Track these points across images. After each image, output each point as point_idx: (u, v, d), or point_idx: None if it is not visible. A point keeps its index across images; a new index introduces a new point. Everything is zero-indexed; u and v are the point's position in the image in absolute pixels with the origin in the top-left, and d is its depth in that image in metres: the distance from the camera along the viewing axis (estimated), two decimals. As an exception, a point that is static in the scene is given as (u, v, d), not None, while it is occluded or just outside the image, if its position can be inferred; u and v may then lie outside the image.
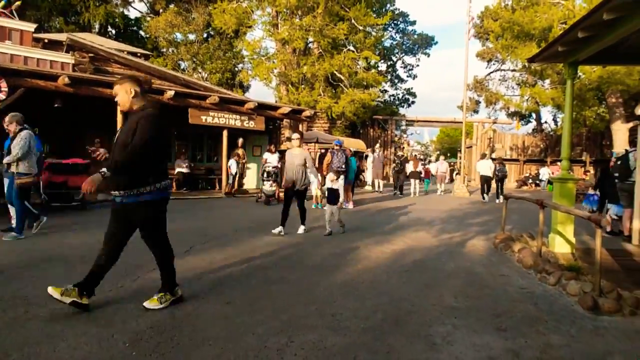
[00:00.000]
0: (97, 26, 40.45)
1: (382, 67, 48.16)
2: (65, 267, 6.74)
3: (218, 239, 9.56)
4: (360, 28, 35.15)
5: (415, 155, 41.49)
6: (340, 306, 5.40)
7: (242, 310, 5.15)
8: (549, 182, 31.33)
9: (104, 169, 4.64)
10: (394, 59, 50.10)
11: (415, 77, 51.58)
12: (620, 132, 25.54)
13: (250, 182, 22.75)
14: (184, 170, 20.51)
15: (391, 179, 30.05)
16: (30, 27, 22.28)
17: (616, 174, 11.13)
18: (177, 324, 4.68)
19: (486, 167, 22.87)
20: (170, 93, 17.71)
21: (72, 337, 4.28)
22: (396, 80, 50.47)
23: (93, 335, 4.33)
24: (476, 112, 48.85)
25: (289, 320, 4.87)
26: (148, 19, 43.26)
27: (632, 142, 11.62)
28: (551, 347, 4.44)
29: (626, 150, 11.69)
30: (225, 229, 10.92)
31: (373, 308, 5.36)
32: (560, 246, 8.70)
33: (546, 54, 8.75)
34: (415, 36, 48.81)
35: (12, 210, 9.16)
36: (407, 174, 25.85)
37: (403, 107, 49.94)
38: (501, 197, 20.38)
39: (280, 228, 10.25)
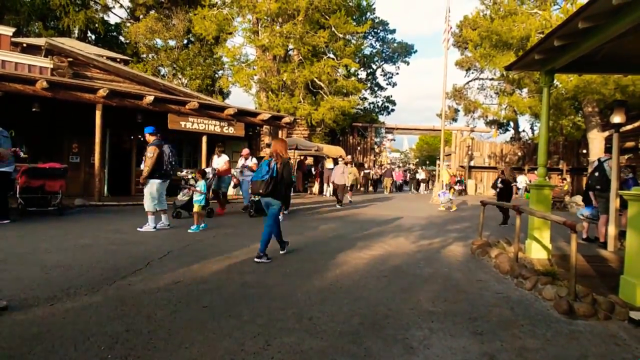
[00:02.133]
0: (76, 31, 40.12)
1: (362, 74, 48.40)
2: (41, 271, 6.68)
3: (196, 244, 9.51)
4: (341, 36, 35.23)
5: (423, 167, 49.52)
6: (318, 310, 5.40)
7: (219, 315, 5.14)
8: (527, 190, 31.63)
9: None
10: (374, 67, 50.31)
11: (394, 85, 51.78)
12: (596, 140, 25.80)
13: (229, 188, 22.65)
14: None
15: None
16: (8, 30, 22.14)
17: (597, 187, 11.17)
18: (153, 328, 4.65)
19: (422, 174, 38.40)
20: (149, 98, 17.63)
21: (48, 340, 4.25)
22: (376, 88, 50.70)
23: (69, 339, 4.30)
24: (455, 120, 49.28)
25: (266, 325, 4.87)
26: (128, 24, 42.98)
27: (607, 150, 11.70)
28: (527, 350, 4.48)
29: (599, 159, 11.75)
30: (204, 234, 10.87)
31: (350, 312, 5.37)
32: (537, 252, 8.79)
33: (523, 62, 8.84)
34: (395, 44, 49.03)
35: None
36: (420, 180, 38.93)
37: (383, 114, 50.21)
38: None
39: None
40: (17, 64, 20.03)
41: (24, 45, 23.80)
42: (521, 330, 5.02)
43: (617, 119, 9.69)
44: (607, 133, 24.73)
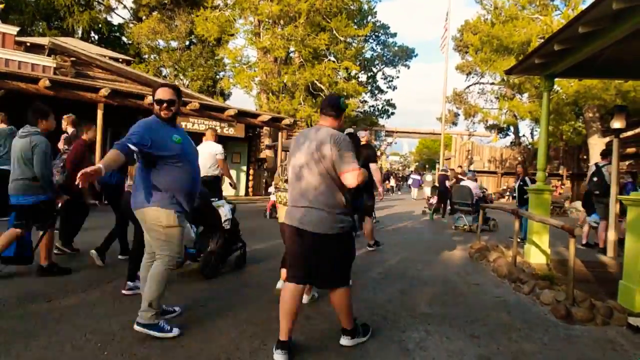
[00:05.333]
0: (80, 31, 40.10)
1: (363, 77, 48.25)
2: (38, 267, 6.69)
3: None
4: (341, 39, 35.19)
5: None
6: (314, 310, 5.41)
7: (216, 314, 5.16)
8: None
9: None
10: (374, 70, 50.22)
11: (395, 88, 51.44)
12: (597, 146, 25.65)
13: (228, 189, 22.64)
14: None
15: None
16: (12, 30, 22.24)
17: (597, 192, 11.14)
18: (150, 326, 4.65)
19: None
20: (150, 98, 17.61)
21: (45, 336, 4.27)
22: (376, 91, 50.58)
23: (65, 335, 4.32)
24: (455, 124, 49.25)
25: (262, 324, 4.89)
26: (131, 25, 42.94)
27: (605, 155, 11.62)
28: (524, 354, 4.47)
29: (596, 164, 11.68)
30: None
31: (348, 314, 5.37)
32: (535, 256, 8.77)
33: (523, 66, 8.84)
34: (396, 48, 48.96)
35: None
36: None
37: (382, 117, 50.13)
38: None
39: None
40: (20, 62, 20.11)
41: (28, 44, 23.85)
42: (518, 334, 5.01)
43: (617, 124, 9.65)
44: (607, 139, 24.64)
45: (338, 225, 4.09)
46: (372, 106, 50.65)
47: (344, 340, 4.38)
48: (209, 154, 9.53)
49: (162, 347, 4.17)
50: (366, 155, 8.55)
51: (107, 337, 4.33)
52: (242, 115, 21.30)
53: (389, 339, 4.65)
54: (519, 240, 11.94)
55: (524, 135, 47.94)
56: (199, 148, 7.89)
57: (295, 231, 4.15)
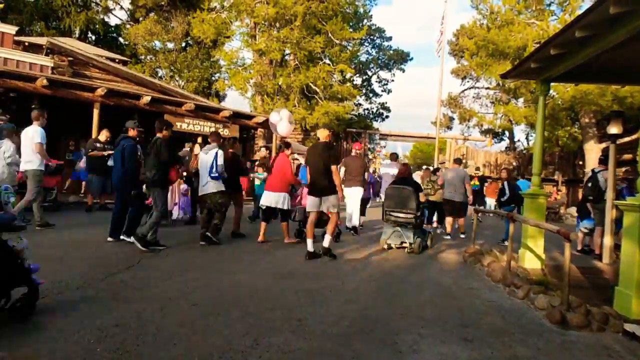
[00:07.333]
0: (77, 32, 40.04)
1: (357, 80, 48.19)
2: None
3: (189, 242, 9.49)
4: (337, 42, 35.28)
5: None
6: (307, 312, 5.37)
7: (209, 313, 5.13)
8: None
9: None
10: (369, 73, 50.14)
11: (389, 91, 51.29)
12: (593, 152, 25.70)
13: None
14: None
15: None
16: (11, 29, 22.29)
17: (590, 197, 11.17)
18: (142, 323, 4.67)
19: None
20: (146, 98, 17.68)
21: (38, 332, 4.27)
22: (371, 95, 50.46)
23: (59, 331, 4.32)
24: (450, 128, 49.08)
25: (255, 324, 4.86)
26: (128, 26, 42.89)
27: (602, 162, 11.63)
28: (517, 359, 4.44)
29: (593, 170, 11.71)
30: (197, 233, 10.83)
31: (340, 315, 5.33)
32: (530, 261, 8.75)
33: (519, 70, 8.83)
34: (391, 51, 48.84)
35: None
36: None
37: (377, 121, 49.97)
38: None
39: None
40: (18, 61, 20.11)
41: (26, 44, 23.88)
42: (512, 338, 4.98)
43: (614, 129, 9.66)
44: (603, 145, 24.65)
45: None
46: (367, 109, 50.56)
47: None
48: None
49: (153, 345, 4.16)
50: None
51: (100, 333, 4.32)
52: (236, 116, 21.33)
53: (381, 341, 4.62)
54: (499, 241, 12.15)
55: (519, 140, 47.92)
56: None
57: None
